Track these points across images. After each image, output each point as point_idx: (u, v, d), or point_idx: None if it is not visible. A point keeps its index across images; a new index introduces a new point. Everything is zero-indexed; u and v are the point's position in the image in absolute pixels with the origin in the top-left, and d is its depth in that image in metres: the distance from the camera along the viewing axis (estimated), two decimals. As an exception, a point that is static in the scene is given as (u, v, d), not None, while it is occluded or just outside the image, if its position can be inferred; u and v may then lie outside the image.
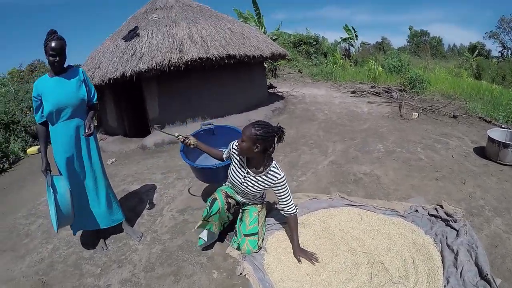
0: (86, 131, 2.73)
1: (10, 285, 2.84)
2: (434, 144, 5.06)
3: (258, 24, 15.35)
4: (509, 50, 30.53)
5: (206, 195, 3.65)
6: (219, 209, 2.56)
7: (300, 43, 17.82)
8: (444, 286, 2.15)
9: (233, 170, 2.62)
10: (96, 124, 8.51)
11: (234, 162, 2.61)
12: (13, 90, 10.09)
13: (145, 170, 4.94)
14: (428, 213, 2.98)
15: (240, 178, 2.56)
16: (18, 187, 5.32)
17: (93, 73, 6.32)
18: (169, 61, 5.75)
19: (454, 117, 6.73)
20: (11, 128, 8.67)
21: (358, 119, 6.84)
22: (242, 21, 11.69)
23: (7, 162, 6.93)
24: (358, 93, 9.68)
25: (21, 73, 24.07)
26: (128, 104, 7.27)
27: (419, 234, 2.68)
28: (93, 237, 3.20)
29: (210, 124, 3.55)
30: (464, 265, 2.27)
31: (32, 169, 6.28)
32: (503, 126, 6.03)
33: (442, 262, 2.35)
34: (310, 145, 5.26)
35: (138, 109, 7.29)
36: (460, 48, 35.49)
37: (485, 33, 32.38)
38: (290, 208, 2.54)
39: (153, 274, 2.67)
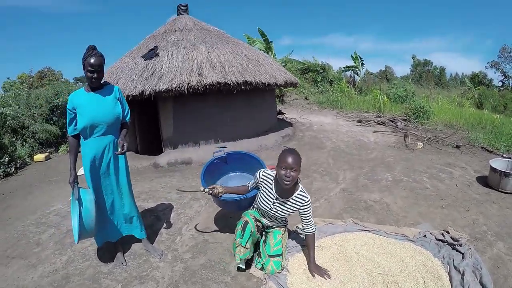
0: (120, 150, 2.81)
1: None
2: (438, 173, 5.34)
3: (267, 51, 15.88)
4: (511, 79, 30.96)
5: (220, 222, 3.85)
6: (251, 232, 2.77)
7: (308, 70, 18.33)
8: (453, 303, 2.40)
9: (262, 197, 2.84)
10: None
11: (263, 189, 2.83)
12: (25, 96, 10.20)
13: (159, 189, 5.13)
14: (435, 238, 3.24)
15: (270, 204, 2.79)
16: (24, 193, 5.48)
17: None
18: (189, 83, 6.02)
19: (457, 147, 7.02)
20: (20, 133, 8.80)
21: (365, 148, 7.16)
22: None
23: (14, 166, 7.08)
24: (364, 122, 10.04)
25: (31, 79, 24.60)
26: (141, 121, 7.48)
27: (428, 257, 2.94)
28: (110, 251, 3.24)
29: (222, 151, 3.65)
30: (470, 283, 2.51)
31: (39, 177, 6.46)
32: (504, 155, 6.31)
33: (450, 282, 2.60)
34: (321, 172, 5.55)
35: (150, 127, 7.51)
36: (462, 77, 36.08)
37: (487, 63, 32.89)
38: (311, 227, 2.79)
39: None
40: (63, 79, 27.06)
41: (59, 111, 9.65)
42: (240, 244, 2.74)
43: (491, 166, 4.75)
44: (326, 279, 2.67)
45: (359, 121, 10.34)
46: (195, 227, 3.84)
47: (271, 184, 2.77)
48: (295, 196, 2.72)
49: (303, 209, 2.74)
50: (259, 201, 2.87)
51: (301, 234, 3.34)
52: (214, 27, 8.51)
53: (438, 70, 34.87)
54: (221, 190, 2.93)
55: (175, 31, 7.69)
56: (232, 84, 6.30)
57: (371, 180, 5.12)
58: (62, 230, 3.95)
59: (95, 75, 2.70)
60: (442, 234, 3.27)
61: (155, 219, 4.05)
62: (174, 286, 2.81)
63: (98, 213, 2.88)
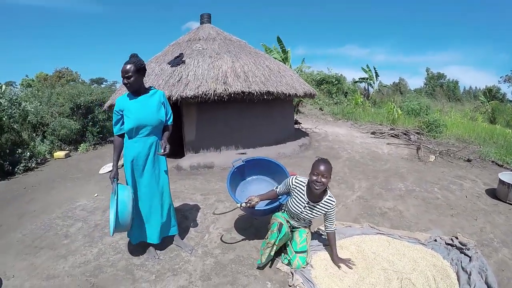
0: (162, 151, 3.01)
1: (53, 282, 3.01)
2: (449, 185, 5.64)
3: (284, 61, 16.24)
4: (524, 94, 30.93)
5: (245, 222, 4.15)
6: (286, 232, 3.08)
7: (323, 81, 18.64)
8: (459, 298, 2.72)
9: (293, 201, 3.15)
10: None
11: (295, 194, 3.14)
12: (47, 94, 10.64)
13: (184, 190, 5.39)
14: (445, 242, 3.56)
15: (301, 208, 3.12)
16: (47, 188, 5.80)
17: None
18: (214, 91, 6.34)
19: (469, 160, 7.29)
20: (40, 130, 9.19)
21: (379, 159, 7.47)
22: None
23: (35, 162, 7.42)
24: (378, 134, 10.35)
25: (49, 78, 25.36)
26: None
27: (438, 258, 3.26)
28: (142, 245, 3.40)
29: (241, 159, 3.78)
30: (476, 283, 2.82)
31: (60, 173, 6.79)
32: (514, 170, 6.56)
33: (458, 281, 2.91)
34: (337, 180, 5.88)
35: (173, 131, 7.87)
36: (476, 91, 35.97)
37: (501, 77, 32.92)
38: (333, 225, 3.15)
39: (210, 283, 2.94)
40: (80, 80, 27.90)
41: (80, 111, 10.05)
42: (275, 243, 3.01)
43: (500, 179, 5.04)
44: (350, 267, 3.03)
45: (373, 133, 10.65)
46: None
47: (303, 190, 3.09)
48: (324, 201, 3.06)
49: (330, 212, 3.10)
50: (291, 205, 3.18)
51: (323, 235, 3.70)
52: (236, 37, 8.92)
53: (452, 84, 34.89)
54: (257, 200, 3.16)
55: (199, 39, 8.10)
56: (255, 93, 6.64)
57: (385, 189, 5.44)
58: (90, 225, 4.18)
59: (125, 80, 2.94)
60: (451, 239, 3.59)
61: (183, 218, 4.27)
62: (206, 278, 3.02)
63: (136, 211, 3.08)
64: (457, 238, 3.62)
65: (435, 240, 3.61)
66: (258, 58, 7.91)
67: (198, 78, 6.67)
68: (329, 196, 3.08)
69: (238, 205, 3.20)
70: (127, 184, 3.15)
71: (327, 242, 3.30)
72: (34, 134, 8.91)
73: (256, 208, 3.27)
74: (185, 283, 2.97)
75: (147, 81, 7.06)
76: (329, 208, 3.08)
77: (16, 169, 6.92)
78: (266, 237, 3.14)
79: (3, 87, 7.33)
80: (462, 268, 3.07)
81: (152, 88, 3.20)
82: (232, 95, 6.48)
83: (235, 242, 3.68)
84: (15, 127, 8.47)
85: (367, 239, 3.63)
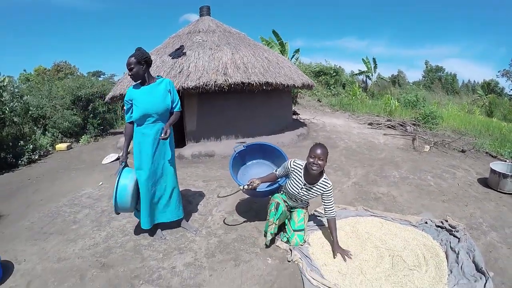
0: (162, 135, 3.12)
1: (65, 264, 3.17)
2: (442, 173, 5.79)
3: (282, 53, 16.30)
4: (522, 88, 31.06)
5: (246, 205, 4.32)
6: (283, 211, 3.26)
7: (321, 73, 18.75)
8: (448, 275, 2.86)
9: (291, 182, 3.31)
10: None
11: (293, 176, 3.30)
12: (47, 87, 10.76)
13: (186, 177, 5.56)
14: (435, 225, 3.71)
15: (298, 189, 3.28)
16: (51, 178, 5.96)
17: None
18: (215, 82, 6.52)
19: (463, 151, 7.44)
20: (42, 123, 9.32)
21: (375, 149, 7.62)
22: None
23: (38, 154, 7.58)
24: (375, 125, 10.48)
25: (47, 72, 25.32)
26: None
27: (428, 238, 3.42)
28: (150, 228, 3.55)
29: (242, 145, 3.94)
30: (464, 261, 2.97)
31: (63, 164, 6.96)
32: (507, 160, 6.70)
33: (446, 259, 3.07)
34: (334, 168, 6.03)
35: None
36: (474, 85, 36.11)
37: (498, 71, 32.98)
38: (332, 211, 3.24)
39: (214, 259, 3.15)
40: (79, 73, 27.89)
41: (81, 103, 10.20)
42: (273, 222, 3.21)
43: (491, 168, 5.19)
44: (347, 258, 3.10)
45: (370, 124, 10.78)
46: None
47: (301, 172, 3.24)
48: (320, 183, 3.21)
49: (326, 194, 3.23)
50: (289, 186, 3.34)
51: (319, 216, 3.87)
52: (235, 29, 9.04)
53: (450, 77, 34.96)
54: (258, 183, 3.30)
55: (199, 32, 8.23)
56: (254, 84, 6.79)
57: (380, 176, 5.59)
58: (97, 211, 4.35)
59: (129, 72, 3.17)
60: (441, 222, 3.74)
61: (187, 202, 4.43)
62: (210, 255, 3.22)
63: (142, 194, 3.27)
64: (447, 221, 3.77)
65: (426, 222, 3.76)
66: (257, 49, 8.04)
67: (199, 70, 6.81)
68: (324, 178, 3.23)
69: (241, 187, 3.33)
70: (135, 169, 3.31)
71: (323, 223, 3.45)
72: (35, 128, 9.03)
73: (257, 190, 3.40)
74: (191, 260, 3.17)
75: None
76: (324, 189, 3.22)
77: (19, 162, 7.08)
78: (267, 218, 3.32)
79: (6, 79, 7.33)
80: (451, 248, 3.22)
81: (159, 77, 3.36)
82: (232, 85, 6.63)
83: (237, 224, 3.85)
84: (16, 120, 8.59)
85: (361, 220, 3.79)
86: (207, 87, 6.50)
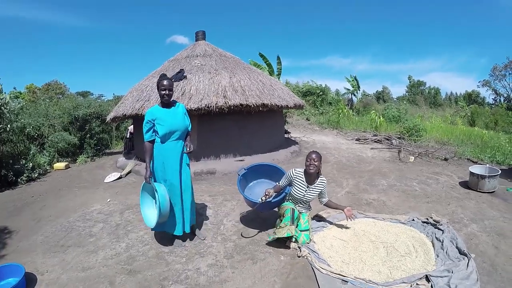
0: (187, 150, 3.63)
1: (91, 272, 3.34)
2: (427, 180, 6.33)
3: (271, 74, 16.97)
4: (501, 97, 32.35)
5: (253, 215, 4.66)
6: (297, 214, 3.77)
7: (308, 93, 19.46)
8: (435, 259, 3.32)
9: (296, 188, 3.86)
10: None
11: (296, 182, 3.84)
12: (44, 106, 10.81)
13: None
14: (421, 221, 4.20)
15: (303, 192, 3.84)
16: (56, 196, 6.11)
17: (143, 105, 7.41)
18: (216, 104, 6.94)
19: (445, 159, 8.01)
20: (38, 142, 9.40)
21: (364, 162, 8.15)
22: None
23: (37, 172, 7.67)
24: (362, 140, 11.05)
25: (38, 90, 25.34)
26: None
27: (416, 232, 3.90)
28: (167, 237, 3.89)
29: (243, 169, 4.41)
30: (448, 247, 3.44)
31: (65, 183, 7.12)
32: (486, 164, 7.21)
33: (433, 247, 3.54)
34: (328, 180, 6.37)
35: None
36: (457, 97, 37.35)
37: (479, 82, 34.24)
38: (326, 198, 4.06)
39: (234, 260, 3.49)
40: (68, 92, 27.82)
41: (78, 123, 10.30)
42: (291, 223, 3.62)
43: (470, 171, 5.73)
44: (352, 218, 3.95)
45: (357, 139, 11.36)
46: (241, 235, 4.35)
47: (302, 177, 3.85)
48: (318, 182, 3.88)
49: (324, 188, 3.93)
50: (294, 191, 3.88)
51: (320, 220, 4.35)
52: (229, 53, 9.62)
53: (433, 90, 36.30)
54: (273, 192, 3.85)
55: (197, 56, 8.76)
56: (252, 105, 7.26)
57: (370, 185, 6.08)
58: (111, 225, 4.54)
59: (167, 92, 3.58)
60: (427, 219, 4.24)
61: (198, 215, 4.55)
62: (229, 256, 3.59)
63: (179, 202, 3.62)
64: (431, 217, 4.25)
65: (413, 220, 4.25)
66: (252, 73, 8.56)
67: (200, 92, 7.24)
68: (321, 177, 3.90)
69: (260, 201, 3.82)
70: (158, 180, 3.64)
71: (325, 225, 4.04)
72: (31, 146, 8.99)
73: (272, 200, 3.88)
74: (212, 261, 3.51)
75: (152, 95, 7.59)
76: (322, 186, 3.90)
77: (19, 180, 7.14)
78: (276, 225, 3.85)
79: (7, 96, 7.40)
80: (436, 238, 3.70)
81: (176, 101, 3.82)
82: (232, 107, 7.08)
83: (253, 236, 4.10)
84: (12, 138, 8.62)
85: (356, 221, 4.25)
86: (208, 109, 6.92)
